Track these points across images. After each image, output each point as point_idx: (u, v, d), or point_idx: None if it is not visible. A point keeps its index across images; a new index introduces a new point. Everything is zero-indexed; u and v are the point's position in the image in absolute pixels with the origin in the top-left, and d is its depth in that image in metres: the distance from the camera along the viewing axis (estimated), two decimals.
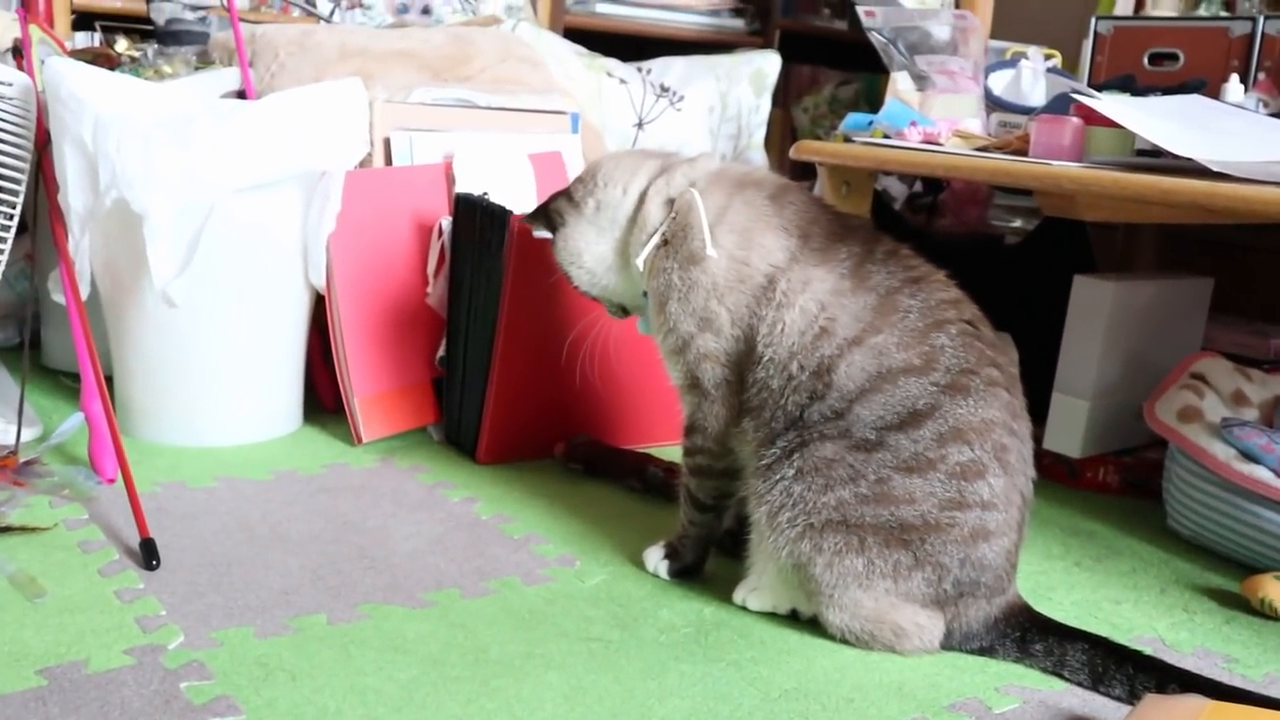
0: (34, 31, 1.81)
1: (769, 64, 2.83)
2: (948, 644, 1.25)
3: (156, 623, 1.20)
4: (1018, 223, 2.55)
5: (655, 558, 1.40)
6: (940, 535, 1.19)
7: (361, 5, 2.55)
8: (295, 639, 1.19)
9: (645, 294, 1.38)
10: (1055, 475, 1.83)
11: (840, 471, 1.20)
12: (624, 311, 1.46)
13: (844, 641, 1.25)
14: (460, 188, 1.85)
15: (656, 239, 1.33)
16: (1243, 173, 1.46)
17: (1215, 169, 1.48)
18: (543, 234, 1.43)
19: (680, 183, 1.34)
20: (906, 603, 1.22)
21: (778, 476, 1.23)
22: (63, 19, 2.32)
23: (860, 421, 1.21)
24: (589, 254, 1.40)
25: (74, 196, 1.58)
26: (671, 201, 1.33)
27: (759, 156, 2.80)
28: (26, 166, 1.62)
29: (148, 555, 1.33)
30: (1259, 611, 1.40)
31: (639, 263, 1.35)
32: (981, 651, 1.25)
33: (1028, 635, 1.24)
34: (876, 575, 1.21)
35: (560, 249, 1.42)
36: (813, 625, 1.27)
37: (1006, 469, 1.22)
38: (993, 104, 2.06)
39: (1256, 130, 1.68)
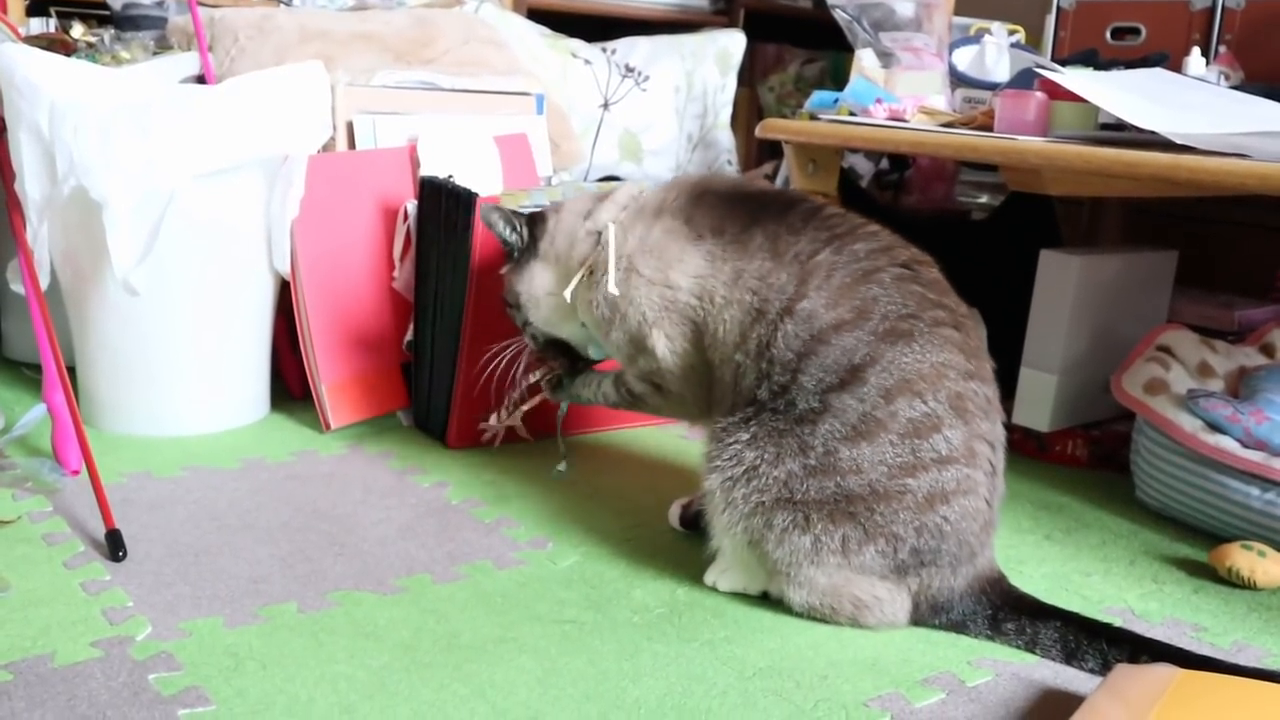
0: None
1: (734, 43, 2.82)
2: (917, 618, 1.25)
3: (124, 614, 1.19)
4: (984, 198, 2.56)
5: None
6: (890, 504, 1.19)
7: None
8: (265, 628, 1.18)
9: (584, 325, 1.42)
10: (1024, 449, 1.84)
11: (790, 442, 1.20)
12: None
13: (809, 618, 1.25)
14: (425, 171, 1.83)
15: (582, 273, 1.37)
16: (1205, 145, 1.47)
17: (1178, 141, 1.49)
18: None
19: (603, 218, 1.37)
20: (862, 576, 1.22)
21: (732, 440, 1.23)
22: (16, 4, 2.27)
23: (804, 390, 1.20)
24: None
25: (31, 185, 1.56)
26: (597, 235, 1.37)
27: (725, 136, 2.79)
28: None
29: (114, 546, 1.32)
30: (1226, 580, 1.41)
31: (566, 295, 1.38)
32: (952, 627, 1.25)
33: (999, 614, 1.23)
34: (825, 551, 1.20)
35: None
36: (785, 604, 1.27)
37: (964, 417, 1.20)
38: (957, 80, 2.06)
39: (1218, 103, 1.69)
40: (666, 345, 1.31)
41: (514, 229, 1.43)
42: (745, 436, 1.23)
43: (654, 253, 1.31)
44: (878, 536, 1.20)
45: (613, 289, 1.32)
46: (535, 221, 1.43)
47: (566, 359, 1.48)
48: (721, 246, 1.28)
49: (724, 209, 1.31)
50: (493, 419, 1.49)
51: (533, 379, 1.53)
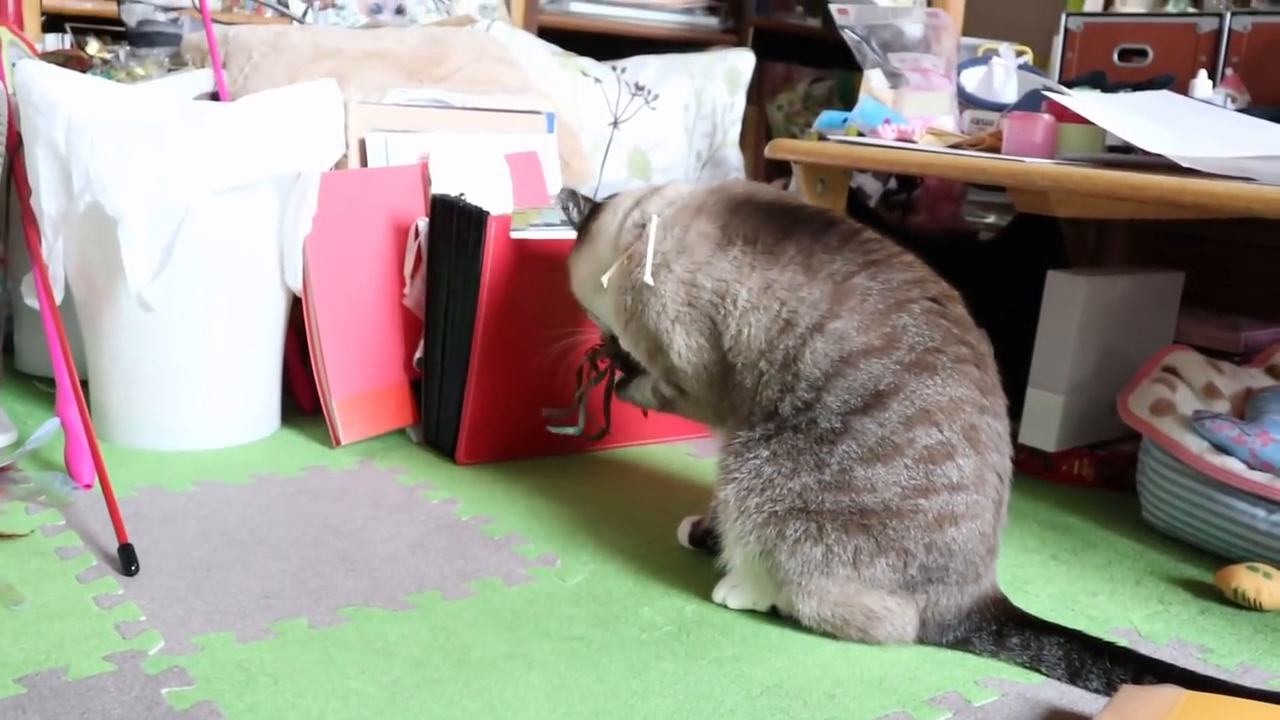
0: (3, 34, 1.80)
1: (743, 62, 2.84)
2: (923, 637, 1.26)
3: (136, 628, 1.19)
4: (991, 219, 2.57)
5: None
6: (902, 521, 1.20)
7: (334, 5, 2.55)
8: (276, 643, 1.18)
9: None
10: (1031, 469, 1.85)
11: (807, 459, 1.22)
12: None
13: (820, 632, 1.26)
14: (436, 188, 1.84)
15: (621, 260, 1.39)
16: (1211, 168, 1.47)
17: (1185, 165, 1.49)
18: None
19: (650, 210, 1.40)
20: (872, 589, 1.23)
21: (751, 455, 1.25)
22: (33, 21, 2.30)
23: (827, 410, 1.22)
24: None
25: (47, 200, 1.57)
26: (640, 227, 1.39)
27: (734, 155, 2.81)
28: None
29: (126, 560, 1.32)
30: (1232, 602, 1.42)
31: (603, 281, 1.40)
32: (957, 644, 1.26)
33: (1004, 629, 1.25)
34: (836, 562, 1.22)
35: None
36: (793, 621, 1.28)
37: (977, 448, 1.22)
38: (965, 101, 2.07)
39: (1224, 126, 1.70)
40: (684, 342, 1.33)
41: (578, 209, 1.50)
42: (765, 454, 1.24)
43: (686, 253, 1.33)
44: (889, 550, 1.21)
45: (647, 278, 1.33)
46: (594, 207, 1.48)
47: (627, 362, 1.50)
48: (751, 255, 1.29)
49: (760, 219, 1.32)
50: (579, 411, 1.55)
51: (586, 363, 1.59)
